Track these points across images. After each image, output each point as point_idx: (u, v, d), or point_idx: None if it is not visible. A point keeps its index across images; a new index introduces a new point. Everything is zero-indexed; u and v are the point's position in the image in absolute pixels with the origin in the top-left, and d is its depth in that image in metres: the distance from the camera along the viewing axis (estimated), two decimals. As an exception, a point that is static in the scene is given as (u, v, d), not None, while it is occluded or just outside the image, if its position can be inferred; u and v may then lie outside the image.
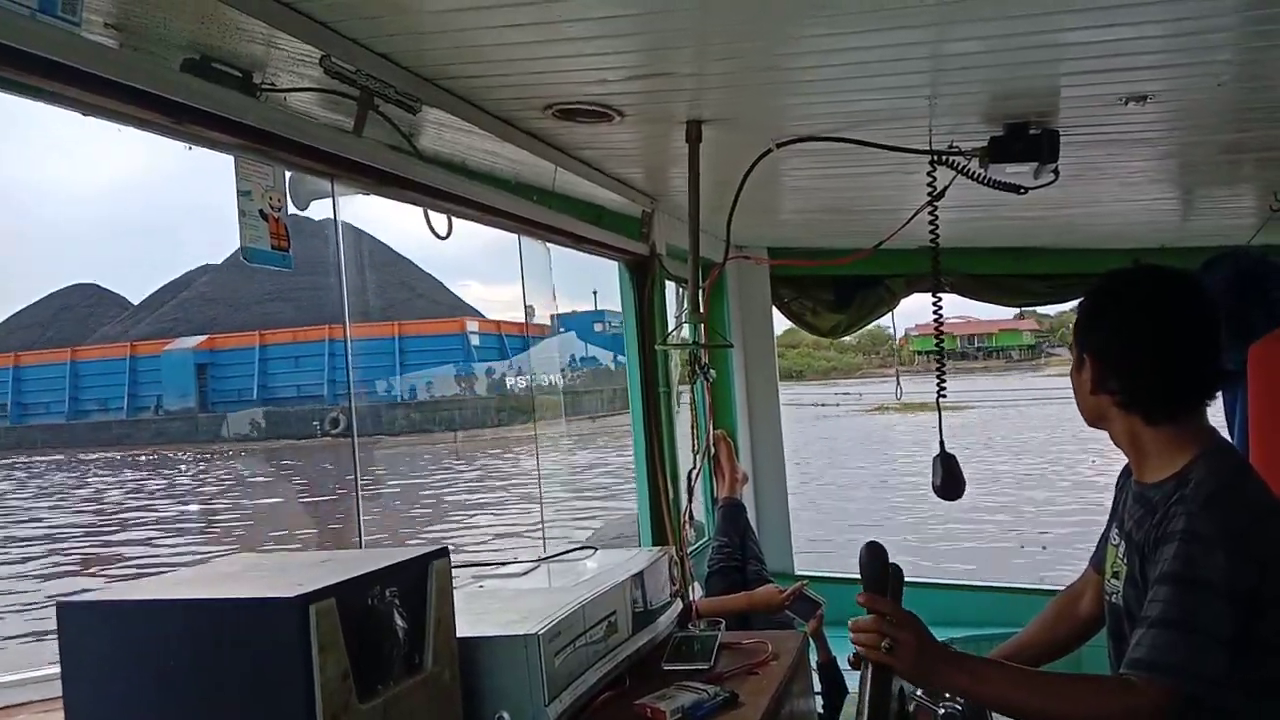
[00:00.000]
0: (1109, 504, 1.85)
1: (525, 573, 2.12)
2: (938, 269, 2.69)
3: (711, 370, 2.78)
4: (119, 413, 44.80)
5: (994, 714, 1.72)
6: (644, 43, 1.79)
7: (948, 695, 1.66)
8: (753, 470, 4.51)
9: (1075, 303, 1.78)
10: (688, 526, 3.16)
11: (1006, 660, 1.90)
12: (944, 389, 2.74)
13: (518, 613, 1.70)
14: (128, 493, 26.15)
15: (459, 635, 1.52)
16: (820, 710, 2.74)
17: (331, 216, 2.19)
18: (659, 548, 2.46)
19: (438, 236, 2.16)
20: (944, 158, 2.45)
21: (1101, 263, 3.48)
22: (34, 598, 13.02)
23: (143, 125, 1.38)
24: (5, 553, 17.53)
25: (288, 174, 1.77)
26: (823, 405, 40.58)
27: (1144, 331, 1.63)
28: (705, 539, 3.97)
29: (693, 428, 3.41)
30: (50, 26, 1.18)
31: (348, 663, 1.24)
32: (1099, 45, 1.83)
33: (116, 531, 19.32)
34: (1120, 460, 1.77)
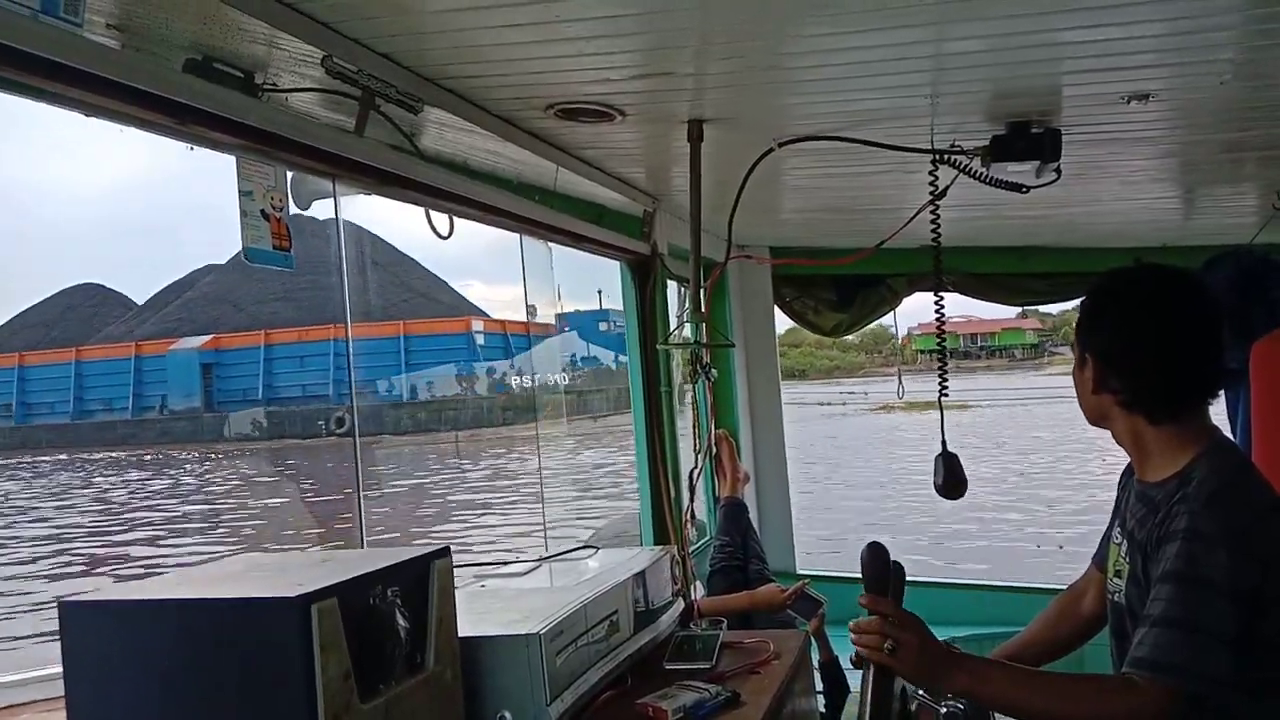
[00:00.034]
0: None
1: (527, 572, 2.12)
2: (939, 268, 2.69)
3: (713, 369, 2.78)
4: (124, 413, 44.88)
5: (996, 714, 1.72)
6: (645, 42, 1.79)
7: (950, 695, 1.66)
8: (754, 469, 4.51)
9: (1077, 302, 1.78)
10: (689, 526, 3.16)
11: (1009, 659, 1.90)
12: (946, 388, 2.74)
13: (519, 612, 1.70)
14: (133, 493, 26.18)
15: (461, 635, 1.53)
16: (822, 709, 2.74)
17: (328, 217, 2.19)
18: (661, 547, 2.46)
19: (440, 236, 2.16)
20: (946, 157, 2.44)
21: (1103, 261, 3.48)
22: (41, 598, 13.03)
23: (145, 126, 1.38)
24: (15, 552, 17.55)
25: (289, 174, 1.77)
26: (829, 404, 40.57)
27: (1146, 330, 1.63)
28: (707, 538, 3.97)
29: (694, 427, 3.41)
30: (52, 27, 1.18)
31: (349, 662, 1.24)
32: (1100, 44, 1.83)
33: (124, 531, 19.33)
34: (1124, 459, 1.77)
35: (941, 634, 1.63)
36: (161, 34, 1.55)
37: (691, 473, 3.08)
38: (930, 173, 2.49)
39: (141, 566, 14.59)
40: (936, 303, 2.77)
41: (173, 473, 31.07)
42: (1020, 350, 67.14)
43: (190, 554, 15.38)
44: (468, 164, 2.49)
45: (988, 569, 10.63)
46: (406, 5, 1.55)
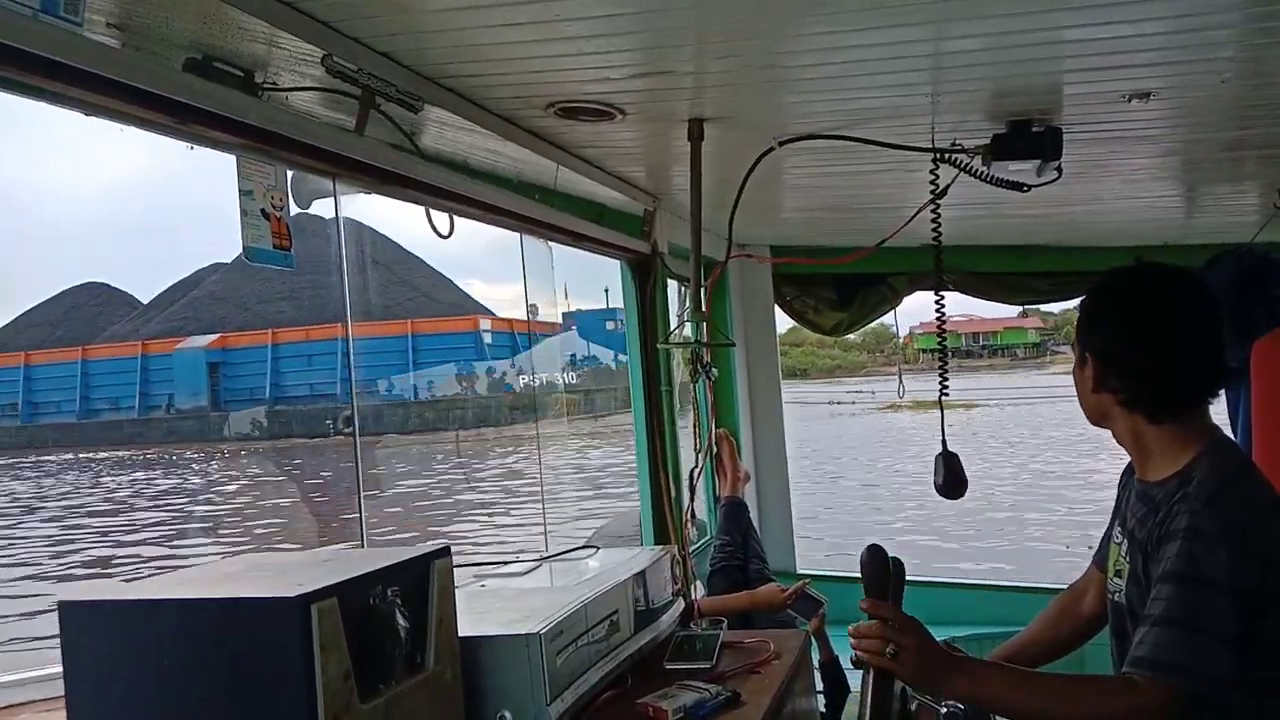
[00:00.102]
0: None
1: (527, 572, 2.12)
2: (940, 267, 2.69)
3: (714, 369, 2.78)
4: (130, 412, 44.92)
5: (996, 716, 1.72)
6: (644, 41, 1.79)
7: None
8: (755, 469, 4.51)
9: (1078, 301, 1.78)
10: (690, 525, 3.16)
11: (1009, 659, 1.90)
12: (946, 387, 2.74)
13: (519, 612, 1.70)
14: (138, 492, 26.15)
15: (461, 634, 1.53)
16: (822, 709, 2.74)
17: (335, 215, 2.19)
18: (661, 547, 2.46)
19: (440, 235, 2.16)
20: (946, 155, 2.44)
21: (1104, 260, 3.48)
22: (50, 600, 12.99)
23: (145, 125, 1.38)
24: (23, 553, 17.54)
25: (289, 173, 1.77)
26: (838, 403, 40.55)
27: (1145, 330, 1.62)
28: (707, 538, 3.97)
29: (695, 426, 3.40)
30: (53, 27, 1.18)
31: (349, 662, 1.24)
32: (1101, 42, 1.82)
33: (133, 532, 19.31)
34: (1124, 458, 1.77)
35: (942, 634, 1.63)
36: (161, 33, 1.55)
37: (692, 472, 3.07)
38: (931, 171, 2.49)
39: (153, 568, 14.55)
40: (937, 302, 2.76)
41: (180, 473, 31.09)
42: (1022, 349, 67.12)
43: (199, 555, 15.36)
44: (468, 163, 2.49)
45: (1013, 569, 10.61)
46: (406, 4, 1.55)
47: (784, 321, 4.91)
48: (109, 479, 30.78)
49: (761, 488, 4.56)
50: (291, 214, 1.78)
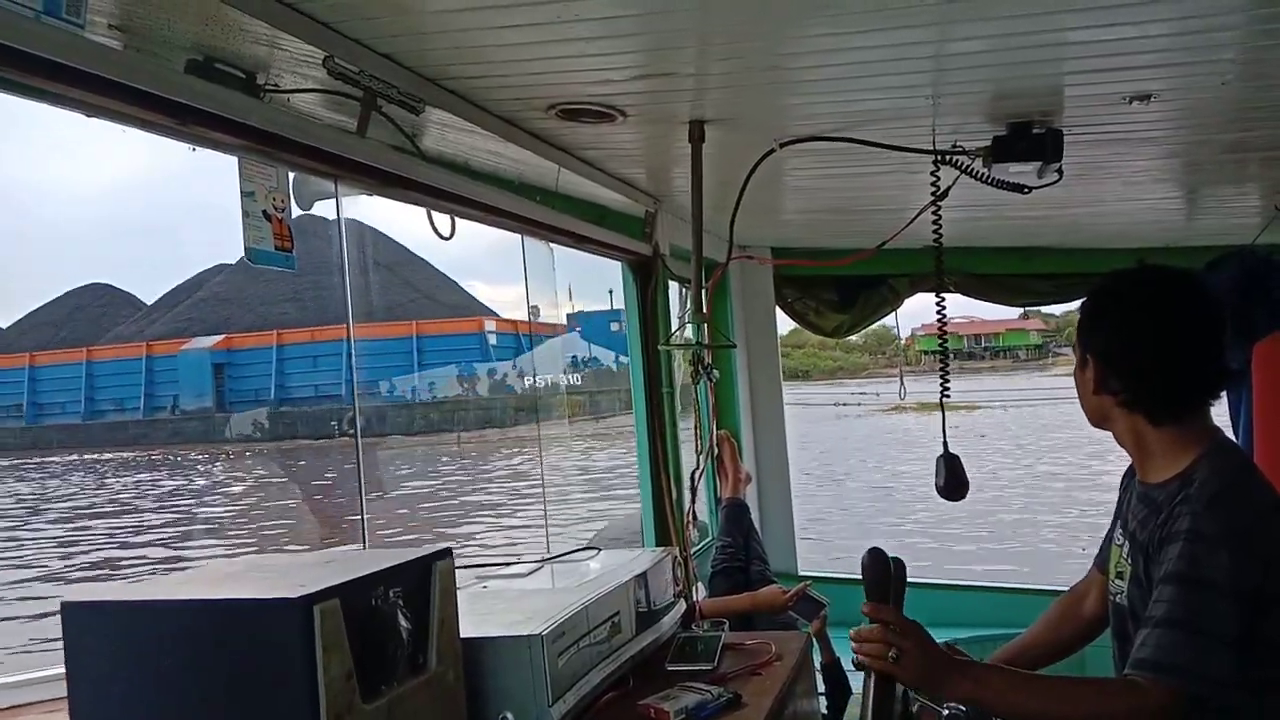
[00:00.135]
0: None
1: (529, 573, 2.12)
2: (941, 269, 2.69)
3: (715, 370, 2.78)
4: (135, 413, 44.85)
5: (997, 718, 1.72)
6: (646, 43, 1.79)
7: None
8: (756, 470, 4.50)
9: (1079, 302, 1.78)
10: (691, 527, 3.16)
11: (1010, 661, 1.90)
12: (947, 389, 2.74)
13: (521, 613, 1.70)
14: (143, 494, 26.13)
15: (463, 636, 1.53)
16: (824, 711, 2.74)
17: (336, 217, 2.20)
18: (662, 548, 2.46)
19: (441, 237, 2.17)
20: (947, 157, 2.44)
21: (1106, 262, 3.48)
22: (56, 603, 12.97)
23: (147, 127, 1.38)
24: (31, 554, 17.54)
25: (291, 175, 1.77)
26: (843, 405, 40.52)
27: (1146, 332, 1.62)
28: (709, 539, 3.97)
29: (696, 428, 3.40)
30: (54, 28, 1.18)
31: (351, 663, 1.25)
32: (1102, 44, 1.82)
33: (140, 533, 19.30)
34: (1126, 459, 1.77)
35: (944, 636, 1.63)
36: (163, 35, 1.55)
37: (693, 474, 3.07)
38: (932, 173, 2.49)
39: (160, 569, 14.53)
40: (938, 304, 2.76)
41: (186, 474, 31.07)
42: (1024, 351, 67.06)
43: (205, 556, 15.34)
44: (469, 165, 2.49)
45: (1027, 570, 10.59)
46: (408, 6, 1.55)
47: (786, 323, 4.91)
48: (114, 480, 30.78)
49: (763, 489, 4.56)
50: (294, 215, 1.78)
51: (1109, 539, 1.85)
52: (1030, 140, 2.32)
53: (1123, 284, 1.70)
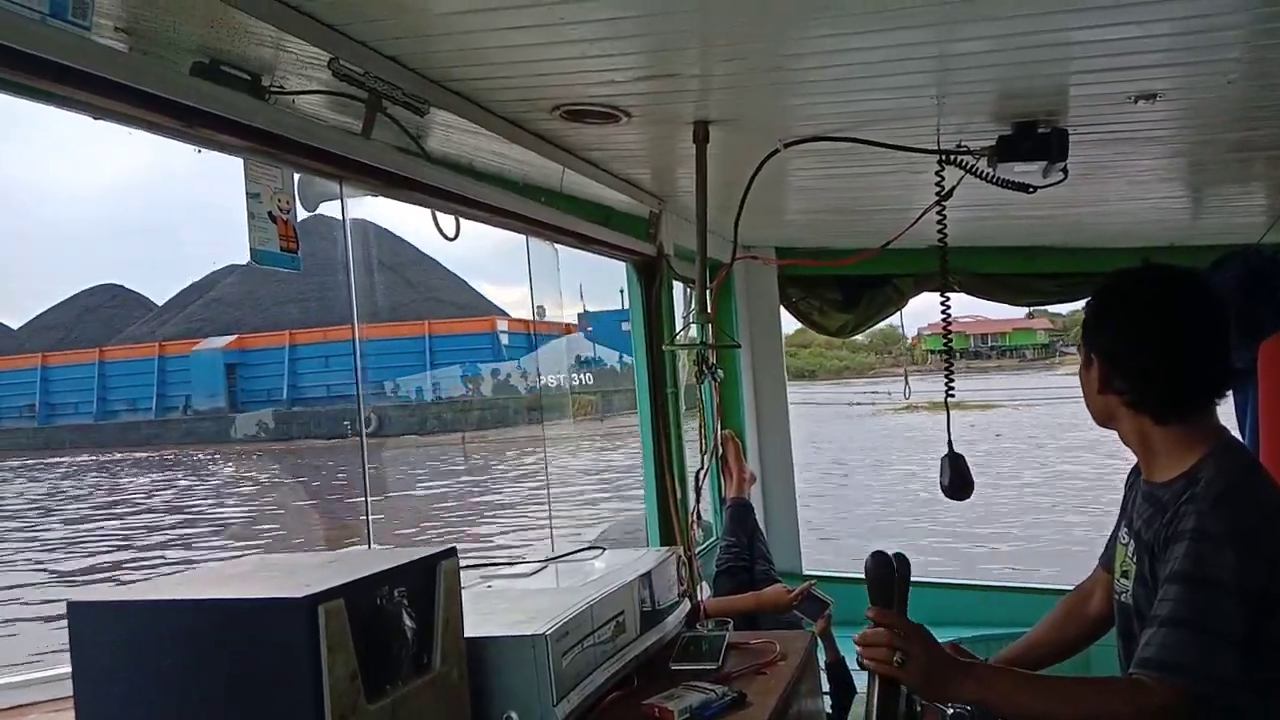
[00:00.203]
0: None
1: (533, 573, 2.12)
2: (946, 268, 2.69)
3: (719, 370, 2.78)
4: (148, 413, 44.96)
5: (1002, 719, 1.72)
6: (649, 44, 1.79)
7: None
8: (760, 470, 4.50)
9: (1085, 302, 1.78)
10: (695, 526, 3.16)
11: (1015, 660, 1.90)
12: (952, 389, 2.74)
13: (525, 613, 1.70)
14: (154, 493, 26.16)
15: (467, 635, 1.53)
16: (829, 710, 2.74)
17: (354, 217, 2.20)
18: (667, 548, 2.47)
19: (446, 237, 2.17)
20: (952, 157, 2.44)
21: (1110, 262, 3.47)
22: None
23: (153, 129, 1.39)
24: (46, 555, 17.56)
25: (296, 176, 1.77)
26: (856, 404, 40.44)
27: (1151, 331, 1.62)
28: (713, 539, 3.97)
29: (700, 428, 3.41)
30: (61, 31, 1.19)
31: (356, 663, 1.25)
32: (1107, 44, 1.82)
33: (152, 533, 19.32)
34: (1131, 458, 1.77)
35: (949, 635, 1.63)
36: (169, 37, 1.56)
37: (697, 473, 3.08)
38: (936, 173, 2.49)
39: (173, 570, 14.53)
40: (943, 303, 2.76)
41: (199, 474, 31.13)
42: (1031, 350, 66.89)
43: (218, 556, 15.35)
44: (474, 166, 2.49)
45: (1057, 571, 10.57)
46: (412, 8, 1.56)
47: (792, 323, 4.92)
48: (127, 480, 30.84)
49: (767, 489, 4.56)
50: (304, 217, 1.79)
51: (1114, 538, 1.84)
52: (1035, 140, 2.32)
53: (1127, 283, 1.69)
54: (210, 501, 24.06)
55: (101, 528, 20.54)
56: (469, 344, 40.61)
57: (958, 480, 2.68)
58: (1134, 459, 1.76)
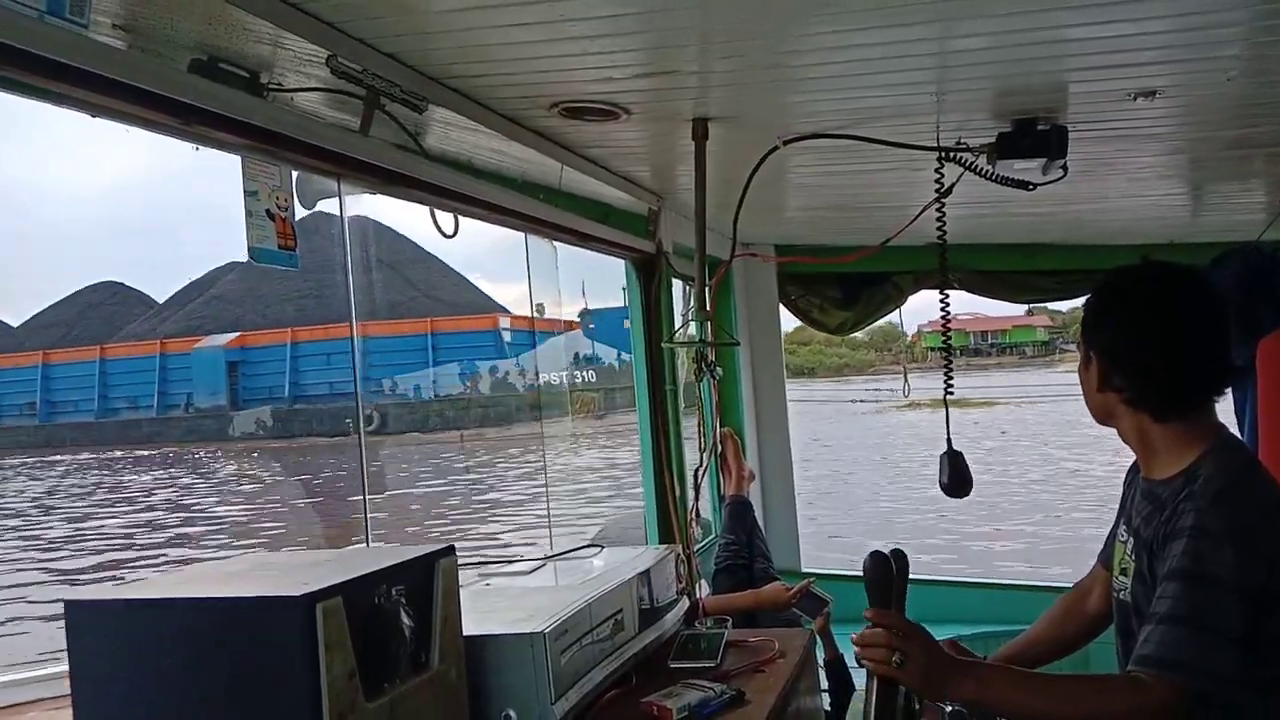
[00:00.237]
0: None
1: (532, 571, 2.12)
2: (945, 266, 2.69)
3: (718, 368, 2.78)
4: (149, 411, 44.88)
5: (1002, 717, 1.72)
6: (649, 41, 1.79)
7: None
8: (760, 468, 4.50)
9: (1084, 299, 1.78)
10: (694, 524, 3.16)
11: (1014, 658, 1.90)
12: (951, 386, 2.74)
13: (524, 611, 1.70)
14: (162, 493, 26.14)
15: (465, 633, 1.53)
16: (827, 708, 2.74)
17: (350, 214, 2.20)
18: (665, 546, 2.47)
19: (444, 235, 2.17)
20: (951, 154, 2.44)
21: (1110, 259, 3.47)
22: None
23: (150, 126, 1.39)
24: (46, 554, 17.55)
25: (295, 174, 1.77)
26: (861, 401, 40.44)
27: (1151, 328, 1.62)
28: (712, 537, 3.97)
29: (699, 425, 3.41)
30: (58, 28, 1.19)
31: (354, 661, 1.25)
32: (1106, 40, 1.82)
33: (154, 531, 19.30)
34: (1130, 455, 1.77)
35: (948, 632, 1.63)
36: (167, 34, 1.55)
37: (696, 471, 3.08)
38: (936, 170, 2.49)
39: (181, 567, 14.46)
40: (942, 301, 2.76)
41: (200, 471, 31.11)
42: (1031, 347, 66.88)
43: (220, 555, 15.33)
44: (472, 163, 2.49)
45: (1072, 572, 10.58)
46: (411, 5, 1.55)
47: (791, 320, 4.91)
48: (129, 478, 30.82)
49: (766, 486, 4.56)
50: (304, 214, 1.79)
51: (1113, 535, 1.84)
52: (1035, 137, 2.31)
53: (1127, 281, 1.69)
54: (212, 500, 24.05)
55: (103, 526, 20.53)
56: (472, 341, 40.53)
57: (956, 478, 2.68)
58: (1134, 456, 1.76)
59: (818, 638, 2.81)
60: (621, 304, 3.39)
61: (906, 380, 4.67)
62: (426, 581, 1.45)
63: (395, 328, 40.80)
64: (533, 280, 3.05)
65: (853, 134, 2.35)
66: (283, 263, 1.73)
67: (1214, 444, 1.61)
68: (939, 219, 2.57)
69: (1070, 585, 2.06)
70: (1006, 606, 4.23)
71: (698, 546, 3.44)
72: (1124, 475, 1.85)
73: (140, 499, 24.84)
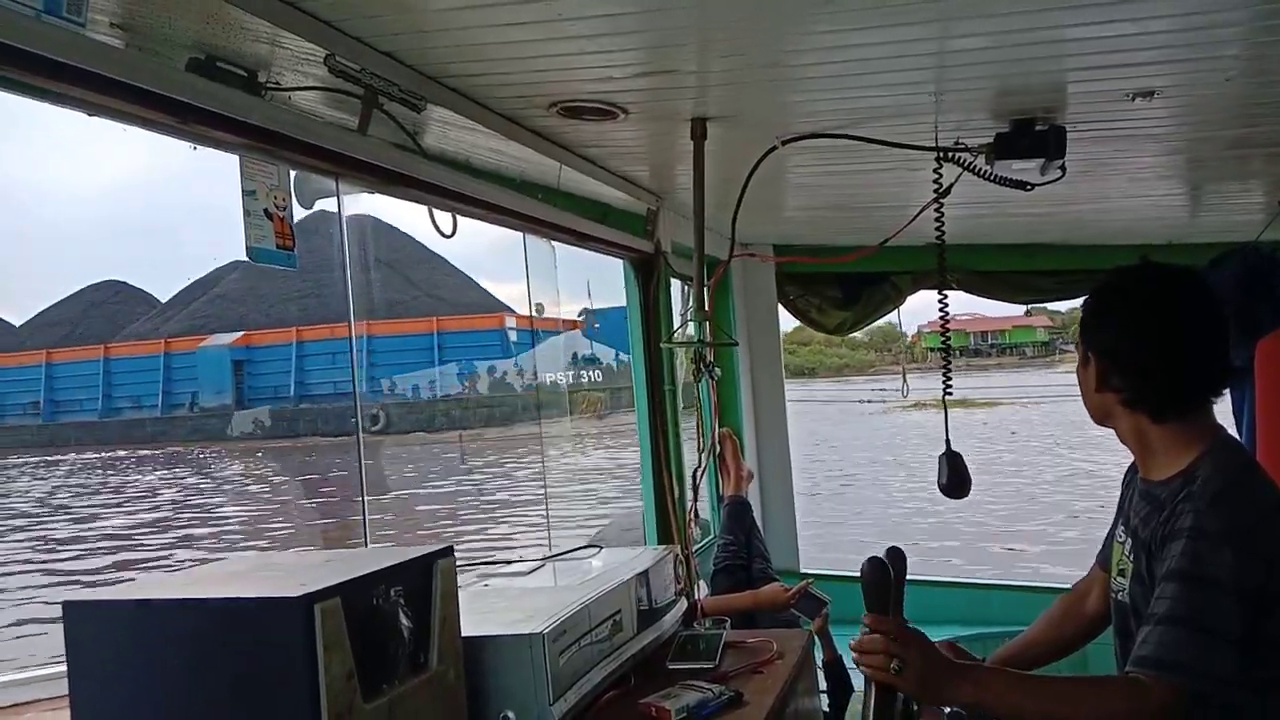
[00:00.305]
0: None
1: (530, 571, 2.12)
2: (944, 266, 2.69)
3: (717, 368, 2.78)
4: (153, 410, 44.76)
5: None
6: (647, 40, 1.78)
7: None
8: (758, 468, 4.50)
9: (1082, 300, 1.78)
10: (693, 525, 3.16)
11: (1012, 659, 1.90)
12: (949, 387, 2.74)
13: (522, 612, 1.70)
14: (165, 492, 26.08)
15: (464, 634, 1.53)
16: (825, 709, 2.74)
17: (352, 213, 2.19)
18: (664, 546, 2.46)
19: (443, 235, 2.17)
20: (950, 154, 2.44)
21: (1109, 259, 3.47)
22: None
23: (148, 125, 1.38)
24: (49, 554, 17.53)
25: (293, 173, 1.77)
26: (867, 401, 40.43)
27: (1150, 329, 1.62)
28: (710, 537, 3.97)
29: (698, 426, 3.40)
30: (56, 27, 1.18)
31: (352, 662, 1.25)
32: (1105, 40, 1.82)
33: (159, 532, 19.24)
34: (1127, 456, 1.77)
35: (947, 634, 1.63)
36: (164, 33, 1.55)
37: (695, 471, 3.07)
38: (934, 170, 2.48)
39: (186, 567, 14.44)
40: (941, 301, 2.76)
41: (205, 470, 31.05)
42: (1030, 348, 66.91)
43: (223, 555, 15.30)
44: (470, 162, 2.49)
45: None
46: (409, 4, 1.55)
47: (790, 320, 4.91)
48: (134, 477, 30.77)
49: (765, 487, 4.56)
50: (304, 214, 1.78)
51: (1111, 536, 1.84)
52: (1033, 137, 2.31)
53: (1125, 281, 1.69)
54: (218, 499, 24.01)
55: (108, 526, 20.50)
56: (478, 340, 40.45)
57: (955, 479, 2.68)
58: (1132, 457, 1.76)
59: (816, 639, 2.81)
60: (622, 303, 3.38)
61: (905, 381, 4.67)
62: (425, 582, 1.45)
63: (401, 327, 40.78)
64: (531, 280, 3.05)
65: (851, 134, 2.35)
66: (281, 262, 1.72)
67: (1212, 445, 1.61)
68: (938, 219, 2.57)
69: (1066, 585, 2.06)
70: (1005, 607, 4.23)
71: (696, 547, 3.44)
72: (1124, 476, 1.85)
73: (145, 499, 24.80)
